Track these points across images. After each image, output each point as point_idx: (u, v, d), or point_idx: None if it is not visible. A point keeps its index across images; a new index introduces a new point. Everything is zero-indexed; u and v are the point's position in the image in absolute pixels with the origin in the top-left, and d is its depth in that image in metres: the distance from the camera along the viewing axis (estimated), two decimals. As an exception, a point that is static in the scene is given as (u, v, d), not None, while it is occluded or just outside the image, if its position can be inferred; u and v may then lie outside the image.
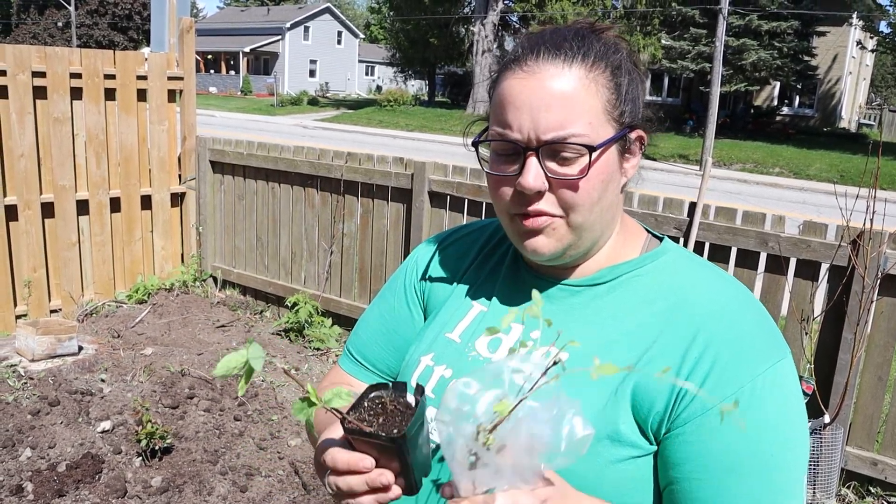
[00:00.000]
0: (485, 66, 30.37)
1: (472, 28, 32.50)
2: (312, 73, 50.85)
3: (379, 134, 24.52)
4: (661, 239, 1.03)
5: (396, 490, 0.77)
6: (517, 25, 39.85)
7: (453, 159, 4.56)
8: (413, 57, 39.17)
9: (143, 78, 5.36)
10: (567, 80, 0.87)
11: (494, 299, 1.04)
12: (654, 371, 0.87)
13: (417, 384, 0.81)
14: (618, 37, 0.94)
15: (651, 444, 0.88)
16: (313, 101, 37.34)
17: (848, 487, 3.47)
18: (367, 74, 57.68)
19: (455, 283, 1.10)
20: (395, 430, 0.74)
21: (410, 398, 0.78)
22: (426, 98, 39.92)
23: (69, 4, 44.37)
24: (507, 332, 0.99)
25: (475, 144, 0.95)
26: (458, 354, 1.01)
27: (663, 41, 28.80)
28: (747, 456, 0.84)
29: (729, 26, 22.78)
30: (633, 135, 0.93)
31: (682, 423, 0.85)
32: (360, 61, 55.95)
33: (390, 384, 0.79)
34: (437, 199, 4.55)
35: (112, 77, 5.18)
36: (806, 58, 28.17)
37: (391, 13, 41.92)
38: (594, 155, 0.87)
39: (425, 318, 1.12)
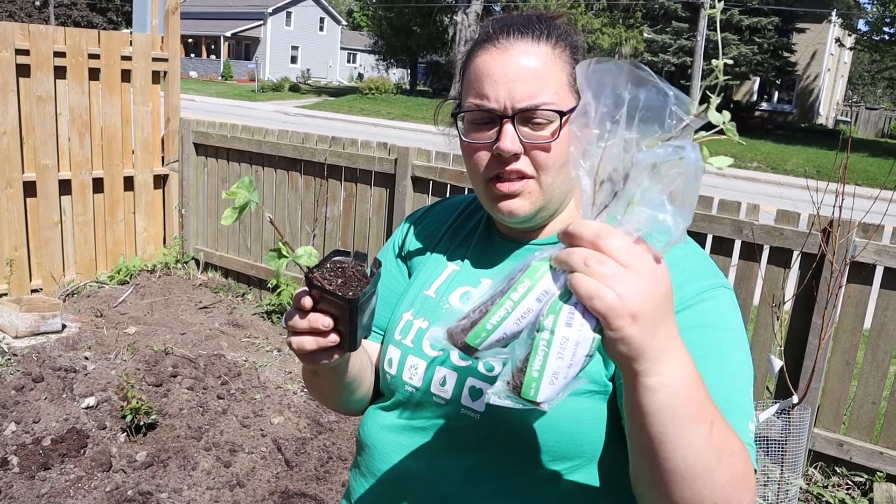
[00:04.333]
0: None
1: (454, 17, 32.45)
2: (294, 60, 50.52)
3: (360, 122, 24.47)
4: None
5: (334, 337, 0.86)
6: (500, 15, 39.81)
7: (436, 147, 4.59)
8: (396, 45, 39.08)
9: (128, 59, 5.35)
10: (536, 55, 0.99)
11: (467, 261, 1.14)
12: None
13: (376, 258, 0.91)
14: (568, 24, 1.06)
15: (609, 378, 0.96)
16: (294, 88, 37.12)
17: (815, 467, 3.59)
18: (349, 62, 57.40)
19: (433, 248, 1.20)
20: (350, 293, 0.82)
21: (367, 270, 0.87)
22: (408, 87, 39.85)
23: (47, -16, 43.67)
24: (477, 286, 1.09)
25: (454, 116, 1.06)
26: (434, 307, 1.11)
27: (645, 34, 28.97)
28: (706, 348, 0.90)
29: (710, 20, 22.94)
30: None
31: None
32: (342, 48, 55.65)
33: (352, 252, 0.88)
34: (419, 184, 4.60)
35: (96, 57, 5.17)
36: (785, 54, 28.48)
37: (374, 0, 41.77)
38: (563, 119, 0.98)
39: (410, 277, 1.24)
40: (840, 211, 3.10)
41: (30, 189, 4.97)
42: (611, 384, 0.96)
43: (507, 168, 1.00)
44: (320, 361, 0.89)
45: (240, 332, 4.62)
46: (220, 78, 43.22)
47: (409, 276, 1.23)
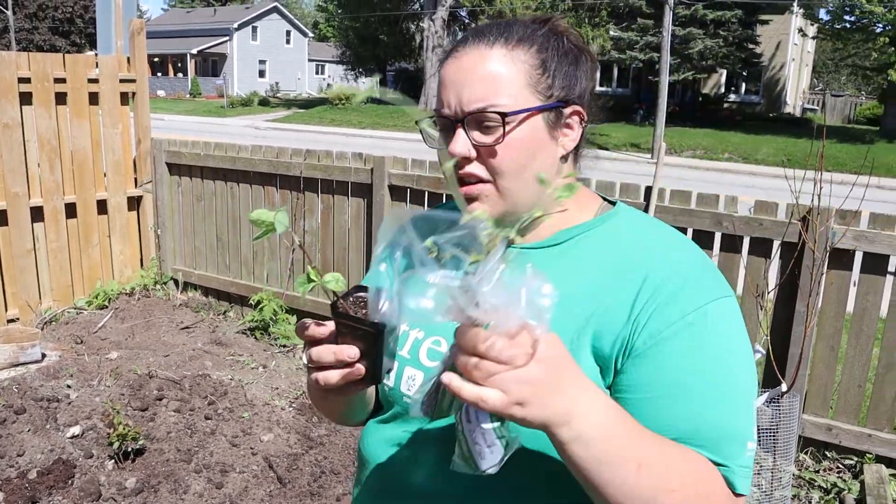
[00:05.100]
0: (436, 62, 30.35)
1: (421, 24, 32.49)
2: (262, 74, 50.25)
3: (332, 133, 24.41)
4: (614, 204, 1.11)
5: (360, 368, 0.85)
6: (466, 20, 39.96)
7: (410, 154, 4.61)
8: (363, 55, 39.03)
9: (95, 81, 5.29)
10: (488, 59, 0.99)
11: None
12: (611, 318, 0.95)
13: None
14: (550, 27, 1.04)
15: (607, 386, 0.96)
16: (264, 102, 36.93)
17: (805, 453, 3.61)
18: (317, 73, 57.20)
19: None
20: (377, 319, 0.83)
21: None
22: (377, 95, 39.79)
23: (6, 8, 43.12)
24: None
25: (418, 122, 1.08)
26: (429, 318, 1.08)
27: (612, 32, 29.18)
28: (698, 372, 0.91)
29: (675, 16, 23.18)
30: (567, 110, 1.02)
31: (638, 350, 0.92)
32: (310, 60, 55.45)
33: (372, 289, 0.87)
34: (397, 192, 4.59)
35: (62, 81, 5.10)
36: (750, 45, 28.84)
37: (339, 11, 41.71)
38: (509, 123, 0.97)
39: None
40: (819, 199, 3.13)
41: (0, 218, 4.88)
42: (608, 391, 0.96)
43: (461, 171, 1.01)
44: (346, 395, 0.90)
45: (224, 351, 4.57)
46: (188, 95, 42.92)
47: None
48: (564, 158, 1.04)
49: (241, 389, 3.93)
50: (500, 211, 1.02)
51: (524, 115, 0.98)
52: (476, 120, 0.98)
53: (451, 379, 0.74)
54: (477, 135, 0.98)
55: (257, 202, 5.24)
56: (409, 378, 1.06)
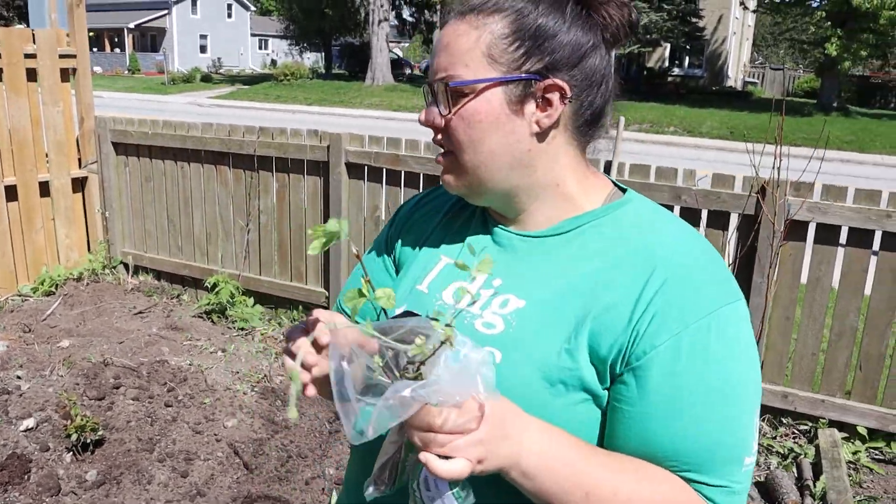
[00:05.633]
0: (381, 37, 30.04)
1: (367, -3, 31.98)
2: (203, 49, 48.96)
3: (278, 109, 23.96)
4: (625, 191, 1.05)
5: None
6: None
7: (359, 131, 4.55)
8: (308, 28, 38.32)
9: (32, 56, 5.05)
10: (455, 30, 0.97)
11: (462, 251, 1.09)
12: (610, 318, 0.90)
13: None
14: None
15: (605, 388, 0.91)
16: (206, 78, 36.02)
17: (763, 420, 3.71)
18: (260, 48, 56.00)
19: (424, 240, 1.14)
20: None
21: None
22: (323, 71, 39.20)
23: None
24: (471, 281, 1.01)
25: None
26: (427, 304, 1.04)
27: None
28: (696, 388, 0.87)
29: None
30: (541, 83, 0.95)
31: (636, 360, 0.88)
32: (253, 35, 54.22)
33: (415, 315, 0.89)
34: (354, 170, 4.52)
35: (-4, 56, 4.86)
36: (693, 19, 29.19)
37: (282, -17, 40.79)
38: (462, 94, 0.95)
39: (397, 272, 1.17)
40: (778, 172, 3.18)
41: (-64, 201, 4.66)
42: (606, 387, 0.92)
43: (433, 139, 1.01)
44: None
45: (180, 336, 4.46)
46: (126, 72, 41.56)
47: (398, 271, 1.17)
48: (541, 136, 0.97)
49: (200, 375, 3.85)
50: (465, 183, 1.01)
51: (479, 85, 0.94)
52: (435, 90, 0.98)
53: (427, 459, 0.78)
54: (440, 105, 0.98)
55: (209, 182, 5.10)
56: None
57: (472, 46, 0.94)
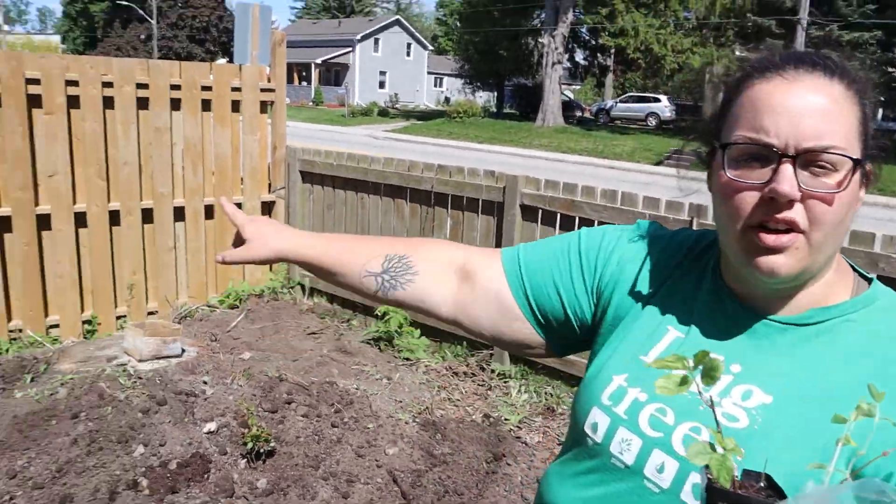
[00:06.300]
0: (554, 79, 30.29)
1: (541, 40, 32.43)
2: (382, 85, 51.58)
3: (449, 145, 24.66)
4: (869, 281, 0.97)
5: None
6: (587, 37, 39.64)
7: (528, 171, 4.58)
8: (482, 69, 39.35)
9: (237, 90, 5.52)
10: (828, 93, 0.86)
11: (693, 327, 0.98)
12: (881, 439, 0.75)
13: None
14: (861, 65, 0.93)
15: None
16: (383, 112, 37.84)
17: None
18: (435, 86, 58.18)
19: (652, 295, 1.04)
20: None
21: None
22: (494, 110, 40.05)
23: (151, 18, 46.07)
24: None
25: (723, 147, 0.91)
26: (654, 380, 0.97)
27: (737, 53, 28.22)
28: None
29: (808, 37, 22.20)
30: (868, 166, 0.91)
31: None
32: (429, 73, 56.49)
33: (763, 474, 0.73)
34: (528, 212, 4.55)
35: (208, 89, 5.35)
36: (890, 69, 27.19)
37: (459, 25, 42.24)
38: (855, 168, 0.86)
39: (596, 311, 1.09)
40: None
41: (147, 216, 5.17)
42: None
43: (777, 216, 0.85)
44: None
45: (349, 360, 4.65)
46: (311, 103, 44.52)
47: (599, 294, 1.08)
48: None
49: (366, 399, 3.98)
50: (802, 266, 0.87)
51: (862, 164, 0.88)
52: (809, 159, 0.84)
53: None
54: (806, 176, 0.84)
55: (386, 214, 5.32)
56: (622, 441, 0.95)
57: (851, 120, 0.86)
